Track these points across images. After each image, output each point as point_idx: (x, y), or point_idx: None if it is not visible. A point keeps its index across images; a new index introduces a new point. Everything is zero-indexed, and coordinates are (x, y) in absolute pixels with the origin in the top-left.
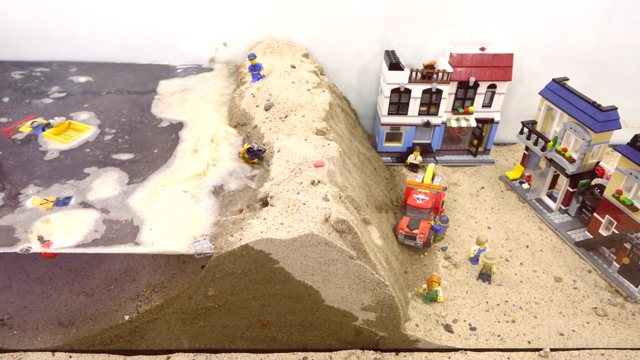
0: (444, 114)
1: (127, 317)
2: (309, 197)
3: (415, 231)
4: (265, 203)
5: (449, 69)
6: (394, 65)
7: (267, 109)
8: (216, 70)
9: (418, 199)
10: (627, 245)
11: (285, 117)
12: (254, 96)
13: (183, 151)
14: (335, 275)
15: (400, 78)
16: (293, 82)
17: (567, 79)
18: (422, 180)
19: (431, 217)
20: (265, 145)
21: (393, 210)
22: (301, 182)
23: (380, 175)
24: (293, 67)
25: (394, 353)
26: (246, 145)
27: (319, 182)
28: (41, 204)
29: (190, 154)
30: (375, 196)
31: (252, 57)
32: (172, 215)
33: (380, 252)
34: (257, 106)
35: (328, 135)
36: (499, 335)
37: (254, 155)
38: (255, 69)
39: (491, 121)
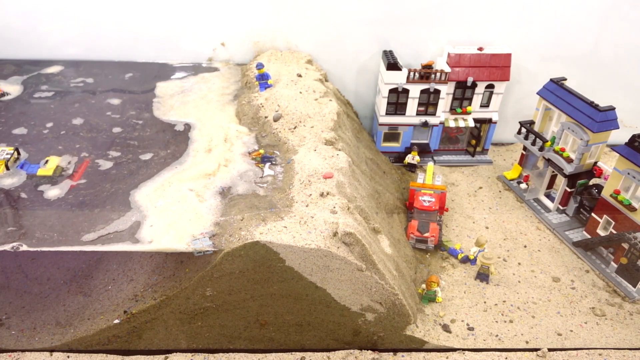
0: (442, 114)
1: (116, 321)
2: (318, 210)
3: (426, 234)
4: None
5: (447, 69)
6: (392, 65)
7: (276, 120)
8: (215, 69)
9: (425, 201)
10: (625, 245)
11: (295, 128)
12: (262, 106)
13: (196, 150)
14: (338, 280)
15: (398, 78)
16: (300, 92)
17: (565, 79)
18: (423, 181)
19: (437, 218)
20: (272, 154)
21: (405, 212)
22: (310, 194)
23: (391, 178)
24: (299, 75)
25: (391, 353)
26: (262, 151)
27: (327, 193)
28: None
29: (203, 153)
30: (386, 201)
31: (259, 66)
32: (174, 212)
33: (390, 260)
34: (265, 117)
35: (337, 145)
36: (497, 335)
37: (265, 163)
38: (263, 78)
39: (489, 121)
